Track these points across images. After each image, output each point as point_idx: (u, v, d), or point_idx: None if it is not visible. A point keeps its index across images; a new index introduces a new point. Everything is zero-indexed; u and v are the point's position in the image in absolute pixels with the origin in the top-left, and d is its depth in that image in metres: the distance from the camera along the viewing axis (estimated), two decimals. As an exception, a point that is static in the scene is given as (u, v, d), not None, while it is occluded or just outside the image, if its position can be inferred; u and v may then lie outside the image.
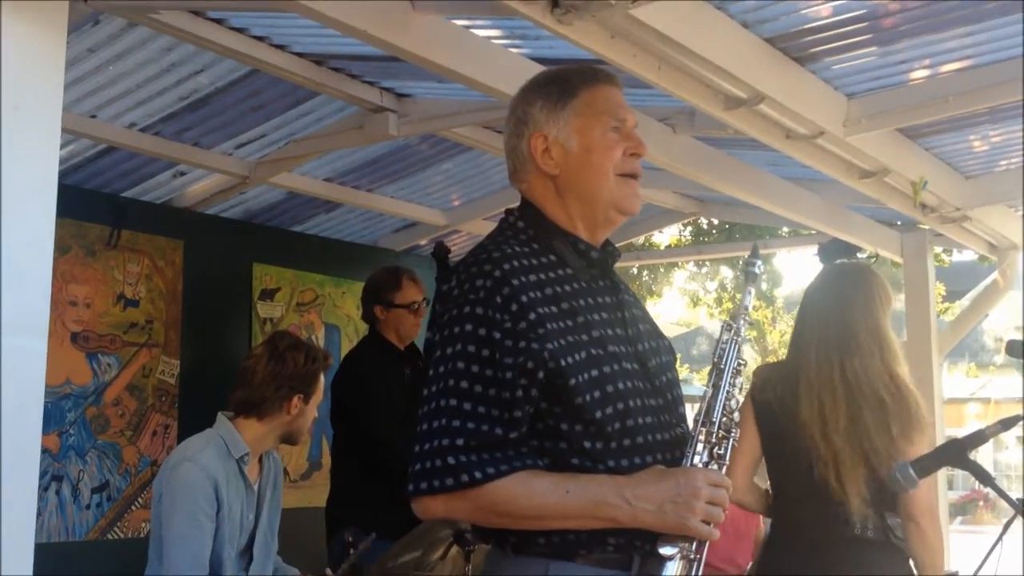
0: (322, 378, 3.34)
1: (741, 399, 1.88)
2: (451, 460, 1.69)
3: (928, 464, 2.56)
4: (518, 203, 1.97)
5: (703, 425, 1.83)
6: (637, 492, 1.71)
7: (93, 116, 3.71)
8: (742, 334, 1.91)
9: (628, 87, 3.47)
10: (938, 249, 6.67)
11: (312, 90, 3.71)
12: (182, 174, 4.40)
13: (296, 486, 4.86)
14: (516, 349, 1.72)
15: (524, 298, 1.76)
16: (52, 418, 3.91)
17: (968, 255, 7.26)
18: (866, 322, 2.97)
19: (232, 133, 4.10)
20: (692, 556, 1.74)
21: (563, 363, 1.74)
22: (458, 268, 1.84)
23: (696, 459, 1.80)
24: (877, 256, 5.90)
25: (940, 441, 5.46)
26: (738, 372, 1.89)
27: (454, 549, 3.02)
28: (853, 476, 2.83)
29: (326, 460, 4.90)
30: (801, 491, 2.96)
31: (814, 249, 5.89)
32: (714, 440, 1.82)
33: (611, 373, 1.79)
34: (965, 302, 12.55)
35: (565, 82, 1.93)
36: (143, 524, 4.18)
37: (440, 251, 4.71)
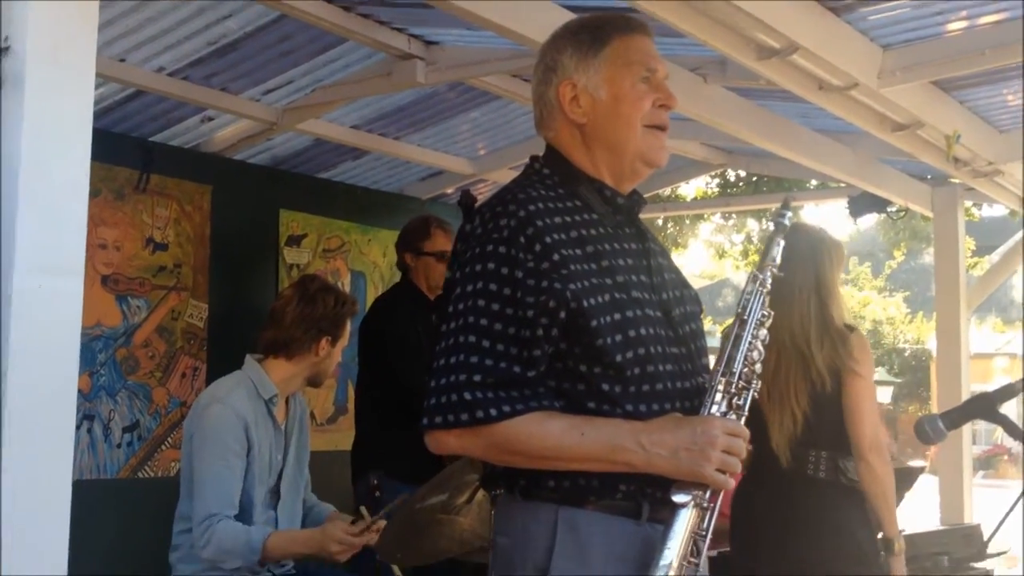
0: (349, 323, 3.38)
1: (764, 351, 1.86)
2: (467, 396, 1.69)
3: (957, 417, 2.56)
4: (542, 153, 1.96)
5: (723, 375, 1.81)
6: (653, 438, 1.71)
7: (122, 60, 3.72)
8: (768, 286, 1.88)
9: (659, 36, 3.42)
10: (968, 203, 6.61)
11: (340, 36, 3.70)
12: (210, 119, 4.41)
13: (323, 430, 4.92)
14: (538, 288, 1.71)
15: (548, 239, 1.75)
16: (83, 359, 3.95)
17: (999, 210, 7.19)
18: (804, 275, 3.16)
19: (260, 79, 4.09)
20: (705, 504, 1.74)
21: (585, 304, 1.73)
22: (482, 209, 1.83)
23: (714, 408, 1.79)
24: (907, 210, 5.86)
25: (965, 396, 5.46)
26: (762, 324, 1.86)
27: (480, 493, 3.06)
28: (776, 420, 3.11)
29: (352, 405, 4.95)
30: (757, 437, 3.13)
31: (843, 203, 5.91)
32: (733, 390, 1.81)
33: (634, 318, 1.78)
34: (994, 257, 12.43)
35: (597, 30, 1.91)
36: (172, 464, 4.25)
37: (466, 199, 4.71)
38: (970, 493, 5.73)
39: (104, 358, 4.09)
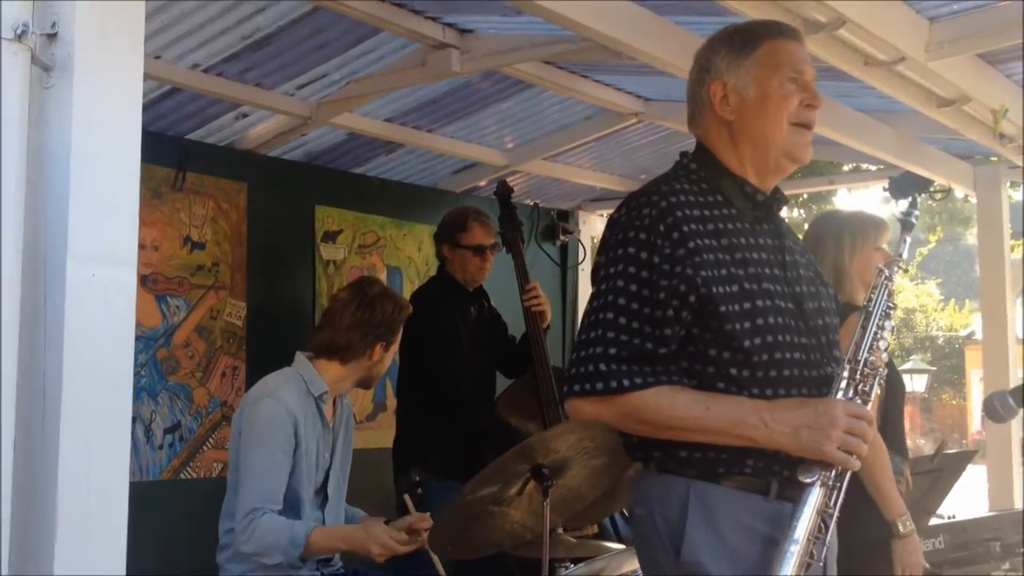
0: (401, 327, 3.35)
1: (890, 339, 2.01)
2: (603, 367, 1.85)
3: (1029, 392, 2.50)
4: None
5: (849, 363, 1.92)
6: (775, 415, 1.83)
7: (157, 57, 3.69)
8: (894, 280, 2.01)
9: (700, 15, 3.37)
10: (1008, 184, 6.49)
11: (374, 27, 3.65)
12: (244, 116, 4.38)
13: (362, 427, 4.88)
14: (672, 273, 1.86)
15: (686, 228, 1.89)
16: (124, 360, 3.94)
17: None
18: (823, 262, 3.19)
19: (294, 73, 4.05)
20: (832, 483, 1.84)
21: (715, 290, 1.86)
22: (629, 199, 2.00)
23: (840, 395, 1.89)
24: (948, 191, 5.76)
25: (1013, 380, 5.35)
26: (887, 315, 1.99)
27: (531, 484, 3.01)
28: None
29: (391, 402, 4.92)
30: None
31: (881, 185, 5.80)
32: (859, 377, 1.91)
33: (764, 307, 1.90)
34: (1032, 240, 12.27)
35: (748, 33, 2.06)
36: (215, 464, 4.23)
37: (503, 189, 4.68)
38: (1020, 478, 5.62)
39: (145, 359, 4.07)
